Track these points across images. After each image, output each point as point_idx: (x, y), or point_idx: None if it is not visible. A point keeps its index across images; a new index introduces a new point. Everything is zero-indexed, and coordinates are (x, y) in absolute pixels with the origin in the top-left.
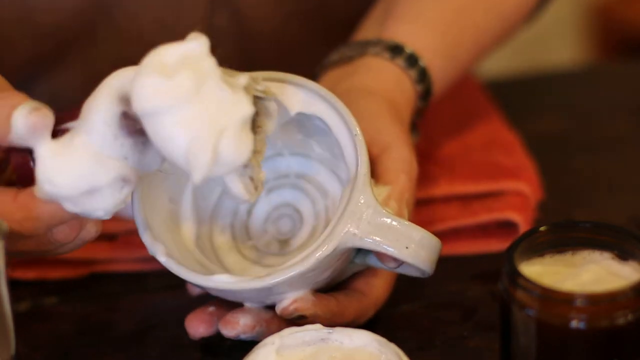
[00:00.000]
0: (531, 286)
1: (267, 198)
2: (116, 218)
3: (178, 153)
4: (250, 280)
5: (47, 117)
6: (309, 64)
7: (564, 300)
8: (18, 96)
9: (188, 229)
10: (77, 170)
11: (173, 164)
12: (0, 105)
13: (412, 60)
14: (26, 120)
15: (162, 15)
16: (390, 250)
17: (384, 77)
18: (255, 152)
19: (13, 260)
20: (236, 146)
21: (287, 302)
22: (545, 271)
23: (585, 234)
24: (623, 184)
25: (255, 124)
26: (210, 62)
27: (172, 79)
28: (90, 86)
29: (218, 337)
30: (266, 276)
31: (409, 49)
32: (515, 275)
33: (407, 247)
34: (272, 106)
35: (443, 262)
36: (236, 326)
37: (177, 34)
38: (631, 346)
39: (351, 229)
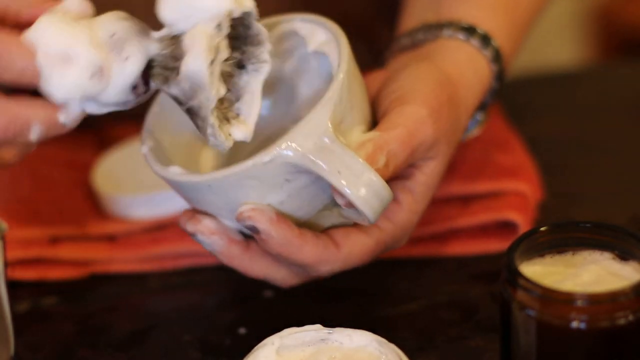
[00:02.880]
0: (531, 286)
1: None
2: (116, 218)
3: None
4: (192, 174)
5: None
6: None
7: (565, 300)
8: None
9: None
10: (70, 31)
11: None
12: None
13: (486, 41)
14: None
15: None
16: (328, 175)
17: (457, 57)
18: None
19: (13, 261)
20: None
21: (246, 207)
22: (545, 271)
23: (586, 234)
24: (623, 184)
25: (231, 121)
26: None
27: None
28: None
29: (218, 337)
30: (205, 173)
31: (481, 29)
32: (516, 275)
33: (339, 172)
34: (254, 109)
35: (443, 263)
36: (197, 223)
37: None
38: (632, 346)
39: (293, 144)
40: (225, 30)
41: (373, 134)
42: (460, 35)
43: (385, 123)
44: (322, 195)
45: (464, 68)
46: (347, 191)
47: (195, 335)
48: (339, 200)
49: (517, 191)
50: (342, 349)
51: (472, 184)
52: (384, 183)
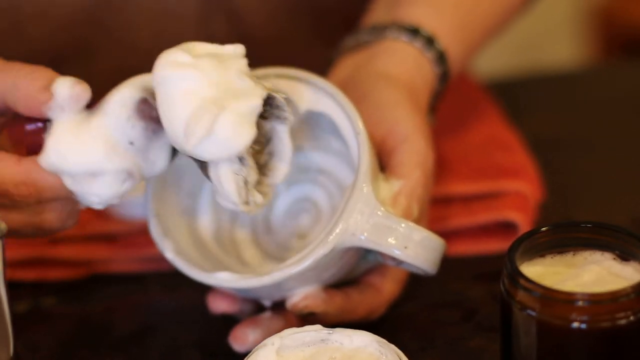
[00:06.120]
0: (532, 287)
1: (288, 192)
2: (116, 219)
3: (178, 121)
4: (248, 278)
5: (88, 90)
6: (304, 63)
7: (565, 300)
8: (51, 71)
9: (206, 222)
10: (88, 150)
11: (172, 136)
12: (36, 77)
13: (430, 42)
14: (71, 90)
15: (157, 22)
16: (388, 250)
17: (403, 60)
18: (265, 193)
19: (13, 261)
20: (233, 128)
21: (297, 298)
22: (546, 272)
23: (587, 235)
24: (623, 184)
25: (267, 167)
26: (242, 62)
27: (195, 57)
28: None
29: (218, 337)
30: (264, 275)
31: (425, 31)
32: (516, 275)
33: (405, 247)
34: (286, 153)
35: (444, 263)
36: (246, 342)
37: (173, 41)
38: (632, 347)
39: (349, 229)
40: (247, 162)
41: (398, 184)
42: (404, 37)
43: (402, 167)
44: (362, 252)
45: (413, 72)
46: (404, 257)
47: (195, 336)
48: (390, 262)
49: (517, 191)
50: (342, 349)
51: (473, 184)
52: (434, 235)
